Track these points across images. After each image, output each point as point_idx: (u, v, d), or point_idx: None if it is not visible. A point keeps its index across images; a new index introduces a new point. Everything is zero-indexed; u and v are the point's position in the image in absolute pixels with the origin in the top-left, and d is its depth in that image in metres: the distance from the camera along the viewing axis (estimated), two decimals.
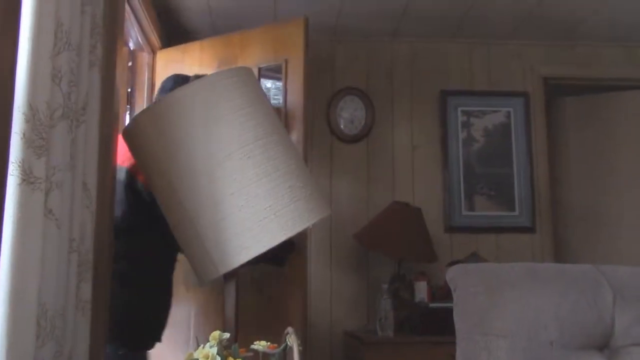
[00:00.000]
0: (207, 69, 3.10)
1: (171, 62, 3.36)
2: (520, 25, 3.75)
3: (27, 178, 1.17)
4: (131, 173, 2.11)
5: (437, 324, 2.96)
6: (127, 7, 2.69)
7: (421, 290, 3.18)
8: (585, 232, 4.05)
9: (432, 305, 3.10)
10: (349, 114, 3.82)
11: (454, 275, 1.69)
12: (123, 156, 2.18)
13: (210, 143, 1.47)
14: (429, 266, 3.47)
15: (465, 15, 3.62)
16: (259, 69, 3.14)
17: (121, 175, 2.11)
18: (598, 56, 4.06)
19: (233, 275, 1.54)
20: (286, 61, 3.01)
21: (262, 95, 1.65)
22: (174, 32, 3.64)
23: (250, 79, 1.63)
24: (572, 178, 4.15)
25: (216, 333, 1.34)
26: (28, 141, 1.18)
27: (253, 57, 3.14)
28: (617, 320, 1.63)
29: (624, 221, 3.98)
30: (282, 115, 3.00)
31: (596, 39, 3.98)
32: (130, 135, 1.62)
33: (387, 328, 3.06)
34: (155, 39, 3.30)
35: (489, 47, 3.99)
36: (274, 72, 3.21)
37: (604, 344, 1.64)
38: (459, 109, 3.88)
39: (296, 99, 2.98)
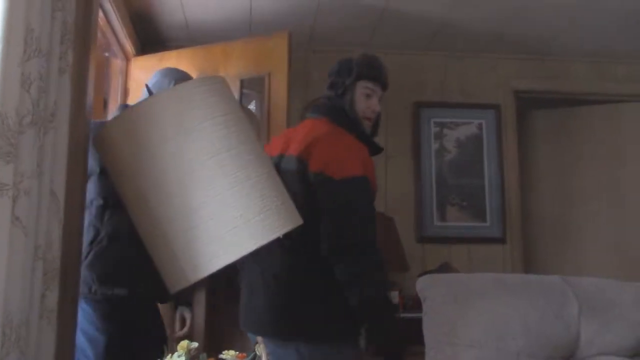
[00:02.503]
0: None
1: (146, 70, 3.34)
2: (493, 39, 3.81)
3: None
4: (302, 160, 2.08)
5: (408, 333, 2.97)
6: (100, 13, 2.67)
7: (393, 300, 3.19)
8: (554, 242, 4.11)
9: (403, 315, 3.12)
10: None
11: (423, 286, 1.71)
12: (283, 144, 2.18)
13: (181, 152, 1.47)
14: (401, 276, 3.48)
15: (439, 29, 3.67)
16: (241, 81, 3.14)
17: (291, 164, 2.09)
18: (567, 71, 4.14)
19: (203, 284, 1.54)
20: (269, 74, 3.02)
21: (235, 105, 1.65)
22: (149, 40, 3.63)
23: (223, 88, 1.63)
24: (542, 190, 4.22)
25: (184, 342, 1.34)
26: None
27: (235, 69, 3.15)
28: (582, 331, 1.67)
29: (591, 232, 4.06)
30: (263, 128, 3.00)
31: (566, 54, 4.06)
32: (100, 142, 1.60)
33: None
34: (129, 46, 3.28)
35: (462, 60, 4.04)
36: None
37: (569, 354, 1.67)
38: (432, 120, 3.92)
39: (279, 112, 2.99)
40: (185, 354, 1.31)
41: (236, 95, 3.08)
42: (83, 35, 1.85)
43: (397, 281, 3.39)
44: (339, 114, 2.31)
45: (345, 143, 2.22)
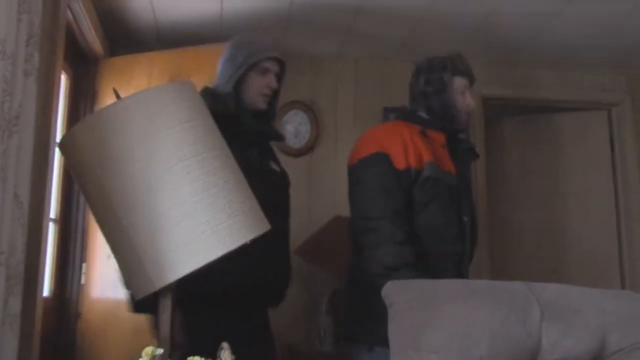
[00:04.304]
0: (157, 82, 3.07)
1: (116, 72, 3.31)
2: (462, 46, 3.84)
3: None
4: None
5: None
6: (68, 14, 2.65)
7: None
8: (521, 248, 4.17)
9: None
10: (293, 128, 3.84)
11: (390, 291, 1.72)
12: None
13: (148, 158, 1.46)
14: None
15: (409, 36, 3.70)
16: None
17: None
18: (535, 79, 4.21)
19: (168, 290, 1.53)
20: None
21: (203, 110, 1.65)
22: (118, 42, 3.60)
23: (191, 94, 1.62)
24: (510, 196, 4.28)
25: (149, 349, 1.33)
26: None
27: (208, 74, 3.13)
28: (544, 336, 1.69)
29: (556, 238, 4.13)
30: None
31: (534, 62, 4.13)
32: (66, 147, 1.59)
33: (326, 343, 3.07)
34: (98, 48, 3.25)
35: None
36: None
37: (532, 359, 1.70)
38: None
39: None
40: None
41: None
42: (50, 37, 1.84)
43: None
44: (407, 111, 2.61)
45: (372, 130, 2.52)
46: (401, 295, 1.69)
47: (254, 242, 1.81)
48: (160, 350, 1.34)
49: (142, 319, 2.79)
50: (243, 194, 1.56)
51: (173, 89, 1.58)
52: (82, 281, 3.18)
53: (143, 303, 1.92)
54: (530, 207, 4.24)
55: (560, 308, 1.76)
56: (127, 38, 3.61)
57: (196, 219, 1.45)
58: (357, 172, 2.36)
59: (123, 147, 1.47)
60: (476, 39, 3.73)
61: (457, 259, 2.39)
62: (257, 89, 2.29)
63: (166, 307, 1.53)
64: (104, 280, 3.12)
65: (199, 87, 2.91)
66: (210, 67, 3.04)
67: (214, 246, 1.45)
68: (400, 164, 2.28)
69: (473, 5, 3.31)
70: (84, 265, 3.18)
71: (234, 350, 1.28)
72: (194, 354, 1.32)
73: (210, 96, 2.19)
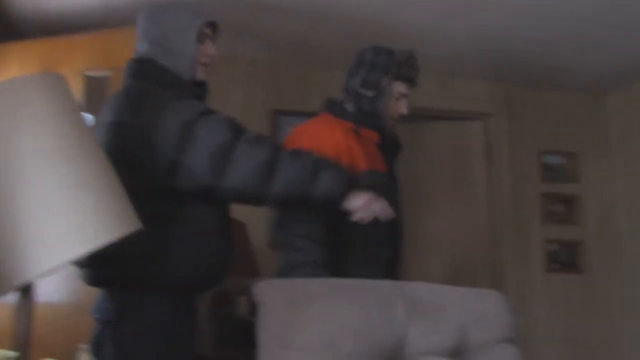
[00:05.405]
0: (31, 73, 2.93)
1: None
2: (350, 53, 3.94)
3: None
4: None
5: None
6: None
7: (242, 305, 3.21)
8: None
9: (251, 319, 3.14)
10: None
11: (260, 290, 1.74)
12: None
13: (8, 150, 1.39)
14: (252, 282, 3.50)
15: (301, 38, 3.76)
16: (86, 78, 3.02)
17: None
18: (420, 88, 4.35)
19: (28, 289, 1.47)
20: (116, 72, 2.91)
21: (72, 104, 1.59)
22: None
23: (59, 86, 1.56)
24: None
25: (1, 352, 1.27)
26: None
27: (80, 64, 3.02)
28: (409, 333, 1.76)
29: (435, 242, 4.30)
30: None
31: (419, 72, 4.27)
32: None
33: (203, 344, 3.04)
34: None
35: (323, 72, 4.13)
36: None
37: (396, 356, 1.76)
38: (290, 128, 3.98)
39: None
40: None
41: (79, 92, 2.95)
42: None
43: (248, 287, 3.41)
44: (336, 104, 2.32)
45: (300, 129, 2.25)
46: (271, 295, 1.72)
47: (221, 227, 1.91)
48: (15, 354, 1.28)
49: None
50: (111, 191, 1.53)
51: (39, 80, 1.52)
52: None
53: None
54: (414, 211, 4.38)
55: (425, 305, 1.84)
56: (7, 27, 3.42)
57: (58, 216, 1.40)
58: None
59: None
60: (363, 46, 3.82)
61: (391, 265, 2.28)
62: (198, 58, 2.02)
63: (25, 307, 1.46)
64: None
65: (73, 76, 2.81)
66: (82, 57, 2.93)
67: (77, 244, 1.40)
68: (360, 164, 2.14)
69: (362, 13, 3.41)
70: None
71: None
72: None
73: (153, 68, 1.98)
